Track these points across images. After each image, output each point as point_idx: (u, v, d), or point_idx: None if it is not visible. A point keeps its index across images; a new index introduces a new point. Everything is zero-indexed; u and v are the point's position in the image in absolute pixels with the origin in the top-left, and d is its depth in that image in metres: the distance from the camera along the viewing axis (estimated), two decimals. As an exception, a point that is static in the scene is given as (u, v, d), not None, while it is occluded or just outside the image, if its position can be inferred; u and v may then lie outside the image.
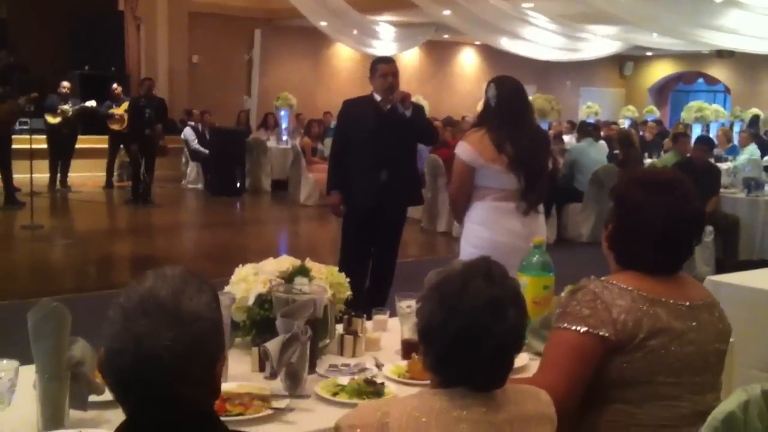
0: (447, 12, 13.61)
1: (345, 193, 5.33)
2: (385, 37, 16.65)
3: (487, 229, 3.91)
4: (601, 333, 1.93)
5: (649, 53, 21.95)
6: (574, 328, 1.96)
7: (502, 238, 3.83)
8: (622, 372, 1.95)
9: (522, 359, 2.51)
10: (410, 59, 19.70)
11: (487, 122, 3.94)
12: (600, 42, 15.48)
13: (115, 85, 13.59)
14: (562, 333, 1.99)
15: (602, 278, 2.05)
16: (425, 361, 1.69)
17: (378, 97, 5.20)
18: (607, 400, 1.99)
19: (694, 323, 2.00)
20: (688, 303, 2.03)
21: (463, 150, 3.93)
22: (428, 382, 1.75)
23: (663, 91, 24.35)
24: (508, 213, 3.90)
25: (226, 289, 2.59)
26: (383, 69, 5.21)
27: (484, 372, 1.63)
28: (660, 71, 23.78)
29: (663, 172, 2.20)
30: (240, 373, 2.34)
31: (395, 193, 5.25)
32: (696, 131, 14.85)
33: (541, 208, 4.05)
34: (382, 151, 5.16)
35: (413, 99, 5.35)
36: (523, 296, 1.73)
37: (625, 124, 17.44)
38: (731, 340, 2.35)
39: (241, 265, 2.70)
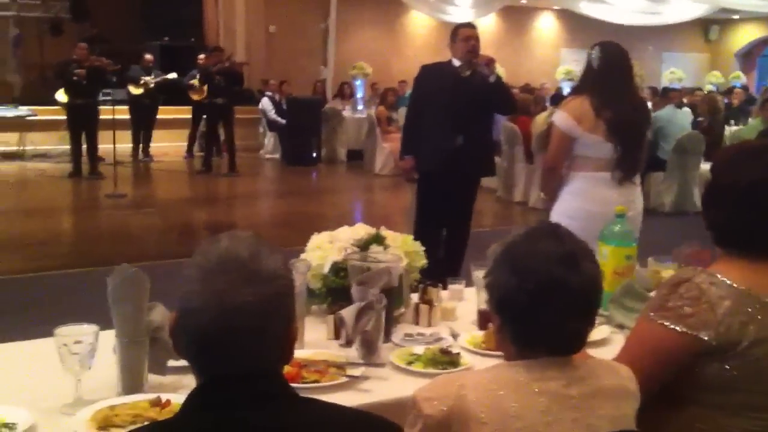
0: (525, -24, 13.34)
1: (418, 158, 5.31)
2: (461, 4, 16.42)
3: (584, 200, 3.82)
4: (700, 335, 1.78)
5: (735, 16, 21.12)
6: (671, 326, 1.81)
7: (599, 209, 3.70)
8: (716, 377, 1.80)
9: (603, 332, 2.46)
10: (487, 26, 19.38)
11: (588, 86, 3.85)
12: (684, 4, 14.95)
13: (202, 56, 13.68)
14: (655, 327, 1.84)
15: (709, 270, 1.87)
16: (502, 334, 1.63)
17: (457, 63, 5.13)
18: (694, 402, 1.85)
19: None
20: None
21: (562, 119, 3.84)
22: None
23: (750, 56, 23.41)
24: (604, 182, 3.81)
25: (302, 256, 2.59)
26: (466, 33, 5.15)
27: (565, 331, 1.58)
28: (747, 35, 22.86)
29: (763, 142, 2.02)
30: (316, 340, 2.35)
31: (469, 160, 5.19)
32: (786, 97, 14.25)
33: (637, 179, 3.94)
34: (458, 117, 5.11)
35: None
36: (593, 251, 1.66)
37: (709, 89, 16.89)
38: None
39: (316, 233, 2.70)
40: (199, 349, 1.30)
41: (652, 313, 1.86)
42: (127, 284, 1.91)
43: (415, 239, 2.75)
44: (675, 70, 19.35)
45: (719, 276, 1.84)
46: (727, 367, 1.79)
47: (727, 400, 1.83)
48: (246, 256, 1.31)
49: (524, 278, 1.57)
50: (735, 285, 1.81)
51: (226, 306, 1.26)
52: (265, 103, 14.19)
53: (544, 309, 1.56)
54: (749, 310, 1.79)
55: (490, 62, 5.05)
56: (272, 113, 14.10)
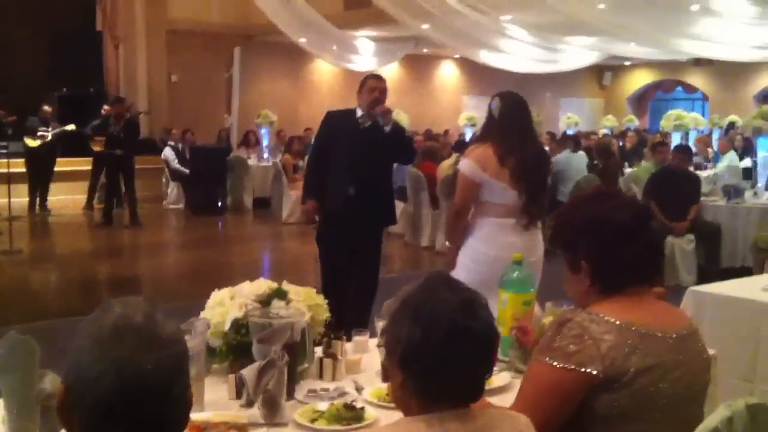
0: (426, 26, 13.64)
1: (319, 203, 5.32)
2: (364, 52, 16.67)
3: (488, 245, 3.92)
4: (588, 370, 1.86)
5: (627, 62, 22.09)
6: (559, 365, 1.88)
7: (504, 254, 3.76)
8: (609, 409, 1.88)
9: (504, 378, 2.49)
10: (390, 73, 19.69)
11: (491, 135, 3.95)
12: (578, 53, 15.56)
13: (106, 107, 13.35)
14: (545, 368, 1.90)
15: (588, 310, 1.96)
16: (405, 389, 1.63)
17: (360, 112, 5.17)
18: None
19: (682, 356, 1.94)
20: (675, 334, 1.95)
21: (467, 166, 3.93)
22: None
23: (642, 100, 24.50)
24: (509, 228, 3.91)
25: (203, 313, 2.54)
26: (372, 83, 5.18)
27: (470, 380, 1.61)
28: (639, 80, 23.93)
29: (588, 191, 2.22)
30: (216, 401, 2.30)
31: (365, 210, 5.19)
32: (676, 139, 14.93)
33: (539, 223, 4.05)
34: (352, 167, 5.14)
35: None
36: (484, 296, 1.69)
37: (603, 133, 17.54)
38: (712, 352, 2.34)
39: (217, 290, 2.66)
40: (95, 422, 1.25)
41: (540, 356, 1.93)
42: (15, 353, 1.84)
43: (324, 289, 2.74)
44: (572, 115, 20.07)
45: (598, 314, 1.93)
46: (616, 397, 1.87)
47: (617, 430, 1.89)
48: (141, 321, 1.27)
49: (429, 329, 1.57)
50: (613, 320, 1.91)
51: (125, 375, 1.22)
52: (168, 153, 13.98)
53: (450, 359, 1.57)
54: (630, 342, 1.89)
55: (386, 112, 5.10)
56: (175, 162, 13.89)
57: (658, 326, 1.94)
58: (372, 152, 5.12)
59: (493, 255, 3.84)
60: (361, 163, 5.12)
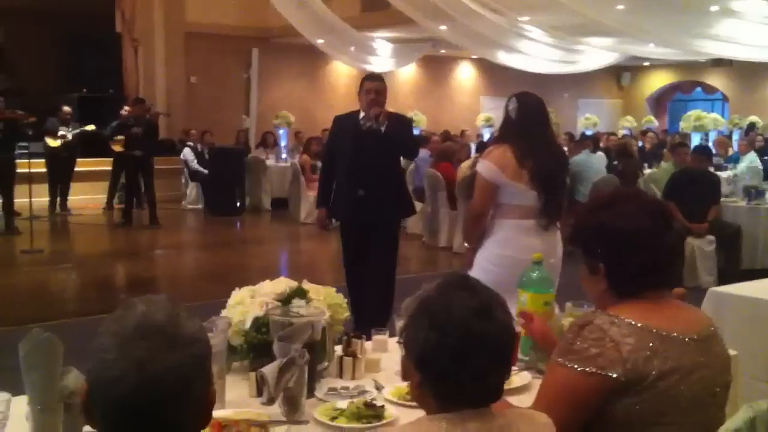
0: (443, 27, 13.62)
1: (331, 208, 5.46)
2: (382, 54, 16.67)
3: (507, 247, 3.89)
4: (609, 373, 1.84)
5: (646, 63, 21.96)
6: (579, 368, 1.86)
7: (523, 256, 3.75)
8: (629, 413, 1.85)
9: (524, 378, 2.49)
10: (408, 75, 19.74)
11: (509, 136, 3.94)
12: (596, 53, 15.48)
13: (127, 108, 13.45)
14: (565, 371, 1.88)
15: (608, 312, 1.94)
16: (422, 389, 1.63)
17: (361, 114, 5.27)
18: None
19: (703, 358, 1.92)
20: (696, 336, 1.93)
21: (486, 168, 3.92)
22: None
23: (661, 101, 24.35)
24: (528, 230, 3.89)
25: (223, 312, 2.56)
26: (367, 86, 5.29)
27: (486, 382, 1.60)
28: (657, 81, 23.78)
29: (606, 192, 2.20)
30: (237, 399, 2.31)
31: (376, 209, 5.27)
32: (695, 140, 14.83)
33: (558, 224, 4.03)
34: (359, 169, 5.26)
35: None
36: (504, 300, 1.68)
37: (622, 134, 17.46)
38: (734, 353, 2.33)
39: (237, 288, 2.67)
40: (117, 420, 1.26)
41: (560, 359, 1.91)
42: (39, 350, 1.85)
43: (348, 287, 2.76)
44: (590, 115, 19.98)
45: (618, 316, 1.91)
46: (636, 401, 1.85)
47: None
48: (164, 320, 1.29)
49: (444, 333, 1.57)
50: (634, 323, 1.89)
51: (147, 374, 1.23)
52: (187, 153, 14.07)
53: (465, 363, 1.57)
54: (651, 344, 1.87)
55: (377, 115, 5.16)
56: (194, 163, 13.98)
57: (677, 328, 1.92)
58: (374, 151, 5.22)
59: (512, 257, 3.82)
60: (366, 165, 5.23)
